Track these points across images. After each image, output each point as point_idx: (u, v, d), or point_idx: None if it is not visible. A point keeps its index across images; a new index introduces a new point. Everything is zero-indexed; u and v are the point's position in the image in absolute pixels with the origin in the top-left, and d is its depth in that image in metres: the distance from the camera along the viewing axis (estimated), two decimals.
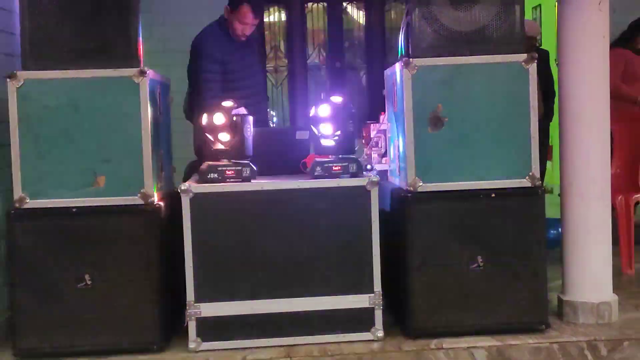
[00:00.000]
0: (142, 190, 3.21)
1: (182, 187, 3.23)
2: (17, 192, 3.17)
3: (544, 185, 3.44)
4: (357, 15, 6.97)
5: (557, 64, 3.61)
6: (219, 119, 3.31)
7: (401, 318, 3.43)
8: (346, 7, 6.93)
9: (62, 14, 3.20)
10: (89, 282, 3.20)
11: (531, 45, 5.53)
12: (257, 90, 4.64)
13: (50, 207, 3.18)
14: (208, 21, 4.69)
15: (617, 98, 4.86)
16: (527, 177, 3.32)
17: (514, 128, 3.32)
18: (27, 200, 3.18)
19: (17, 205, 3.17)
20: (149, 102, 3.21)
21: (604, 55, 3.47)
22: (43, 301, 3.19)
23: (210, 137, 3.34)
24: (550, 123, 5.49)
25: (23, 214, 3.17)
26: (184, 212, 3.21)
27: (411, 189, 3.30)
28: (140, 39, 3.28)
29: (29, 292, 3.18)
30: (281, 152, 3.69)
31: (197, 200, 3.22)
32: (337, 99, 3.45)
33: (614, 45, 5.79)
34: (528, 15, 8.35)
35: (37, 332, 3.19)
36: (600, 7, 3.41)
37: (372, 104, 6.58)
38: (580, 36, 3.46)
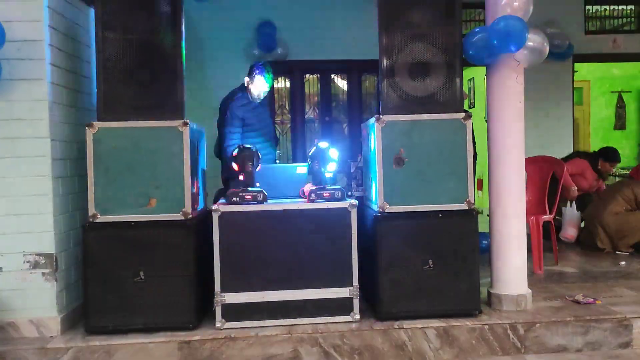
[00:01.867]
0: (183, 210, 3.19)
1: (213, 208, 3.21)
2: (91, 210, 3.15)
3: (476, 208, 3.44)
4: (342, 83, 7.01)
5: (486, 120, 3.63)
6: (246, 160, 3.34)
7: (373, 305, 3.40)
8: (333, 78, 6.97)
9: (127, 80, 3.20)
10: (142, 277, 3.16)
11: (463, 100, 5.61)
12: (268, 137, 4.64)
13: (115, 222, 3.16)
14: (232, 86, 4.71)
15: (565, 182, 5.21)
16: (465, 202, 3.31)
17: (455, 166, 3.32)
18: (98, 216, 3.15)
19: (90, 219, 3.15)
20: (189, 145, 3.21)
21: (520, 115, 3.46)
22: (108, 291, 3.15)
23: (236, 171, 3.35)
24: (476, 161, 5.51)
25: (95, 226, 3.15)
26: (213, 226, 3.19)
27: (381, 210, 3.29)
28: (184, 99, 3.28)
29: (97, 284, 3.15)
30: (286, 182, 3.68)
31: (224, 217, 3.20)
32: (324, 144, 3.46)
33: (583, 156, 6.04)
34: (464, 84, 8.44)
35: (103, 314, 3.15)
36: (517, 81, 3.43)
37: (352, 147, 6.59)
38: (503, 100, 3.47)
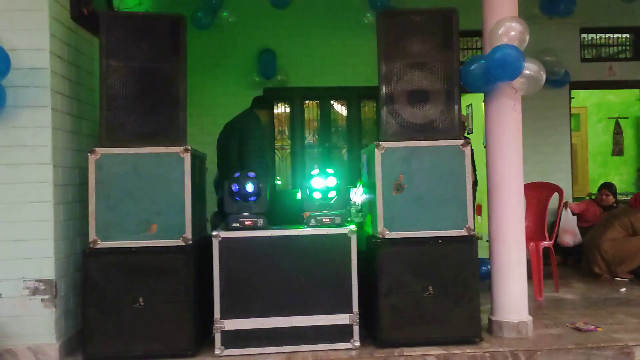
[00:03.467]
0: (183, 235, 3.20)
1: (214, 233, 3.22)
2: (92, 236, 3.16)
3: (476, 233, 3.44)
4: (341, 109, 7.07)
5: (484, 147, 3.65)
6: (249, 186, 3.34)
7: (373, 332, 3.38)
8: (333, 104, 7.04)
9: (130, 107, 3.25)
10: (142, 303, 3.16)
11: (462, 127, 5.70)
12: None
13: (116, 247, 3.16)
14: (233, 113, 4.75)
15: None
16: (464, 228, 3.33)
17: (454, 192, 3.33)
18: (99, 242, 3.16)
19: (91, 245, 3.16)
20: (190, 171, 3.23)
21: (518, 141, 3.49)
22: (107, 317, 3.14)
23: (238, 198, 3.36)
24: (477, 188, 5.54)
25: (95, 252, 3.15)
26: (213, 251, 3.20)
27: (381, 236, 3.30)
28: (186, 125, 3.32)
29: (96, 310, 3.14)
30: (286, 207, 3.69)
31: (224, 242, 3.21)
32: (315, 171, 3.47)
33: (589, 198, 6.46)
34: (463, 110, 8.51)
35: (102, 340, 3.14)
36: (514, 108, 3.47)
37: (351, 173, 6.61)
38: (502, 127, 3.50)
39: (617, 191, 6.72)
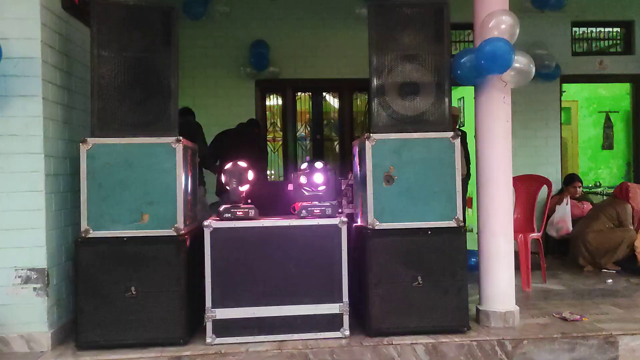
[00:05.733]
0: (175, 225, 3.22)
1: (205, 223, 3.25)
2: (83, 225, 3.18)
3: (466, 225, 3.49)
4: (333, 101, 7.10)
5: (475, 139, 3.69)
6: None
7: (362, 321, 3.42)
8: (325, 96, 7.06)
9: (121, 98, 3.25)
10: (134, 292, 3.18)
11: (455, 120, 5.75)
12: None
13: (108, 237, 3.18)
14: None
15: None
16: (453, 220, 3.36)
17: (444, 184, 3.36)
18: (91, 232, 3.18)
19: (83, 235, 3.17)
20: (182, 161, 3.25)
21: (507, 134, 3.53)
22: (99, 306, 3.16)
23: (230, 187, 3.39)
24: (469, 181, 5.60)
25: (87, 241, 3.17)
26: (205, 241, 3.22)
27: (371, 227, 3.33)
28: (177, 116, 3.33)
29: (89, 299, 3.16)
30: (277, 198, 3.72)
31: (216, 233, 3.23)
32: (319, 164, 3.50)
33: (556, 194, 6.35)
34: (454, 103, 8.56)
35: (94, 329, 3.16)
36: (504, 101, 3.51)
37: (342, 165, 6.65)
38: (491, 120, 3.54)
39: (607, 185, 6.79)
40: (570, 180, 6.34)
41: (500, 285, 3.52)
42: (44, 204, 3.18)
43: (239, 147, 5.04)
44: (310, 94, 7.00)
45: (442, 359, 3.21)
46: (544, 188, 5.07)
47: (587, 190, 6.93)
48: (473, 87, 3.66)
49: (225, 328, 3.22)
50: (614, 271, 5.35)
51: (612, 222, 5.52)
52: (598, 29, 7.24)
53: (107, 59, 3.23)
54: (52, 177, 3.27)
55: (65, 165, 3.43)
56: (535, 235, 4.84)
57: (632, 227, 5.48)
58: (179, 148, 3.23)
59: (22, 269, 3.17)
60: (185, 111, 5.35)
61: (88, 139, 3.19)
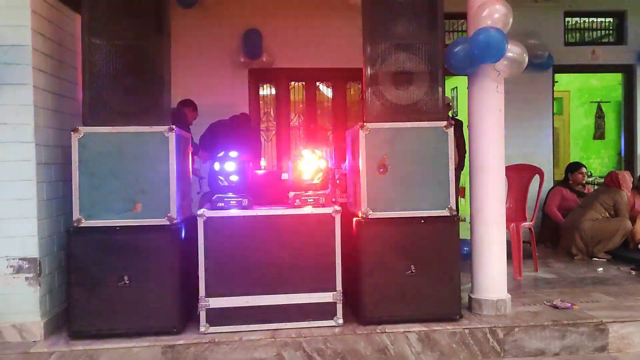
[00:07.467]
0: (168, 215, 3.21)
1: (198, 212, 3.23)
2: (75, 215, 3.15)
3: (459, 215, 3.49)
4: (327, 91, 7.07)
5: (468, 129, 3.70)
6: (230, 165, 3.36)
7: (356, 310, 3.43)
8: (319, 85, 7.03)
9: (113, 86, 3.21)
10: (127, 282, 3.17)
11: (447, 109, 5.76)
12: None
13: (100, 226, 3.16)
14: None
15: (551, 216, 5.93)
16: (447, 209, 3.37)
17: (437, 173, 3.37)
18: (83, 221, 3.16)
19: (75, 224, 3.15)
20: (175, 150, 3.23)
21: (500, 123, 3.53)
22: (92, 296, 3.15)
23: (222, 177, 3.38)
24: (462, 171, 5.61)
25: (79, 231, 3.15)
26: (199, 230, 3.22)
27: (364, 216, 3.33)
28: (170, 104, 3.31)
29: (81, 289, 3.15)
30: (271, 187, 3.71)
31: (209, 222, 3.23)
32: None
33: (558, 184, 6.41)
34: (448, 93, 8.56)
35: (87, 319, 3.15)
36: (497, 90, 3.51)
37: (336, 155, 6.63)
38: (484, 109, 3.54)
39: (599, 175, 6.85)
40: (575, 167, 6.38)
41: (492, 274, 3.54)
42: (35, 193, 3.15)
43: (233, 136, 5.02)
44: (303, 83, 6.96)
45: (435, 346, 3.23)
46: (536, 177, 5.08)
47: None
48: (466, 76, 3.65)
49: (218, 317, 3.22)
50: (605, 260, 5.39)
51: (608, 211, 5.56)
52: (591, 19, 7.24)
53: (99, 47, 3.20)
54: (43, 166, 3.24)
55: (56, 154, 3.41)
56: (527, 224, 4.86)
57: (627, 217, 5.52)
58: (172, 137, 3.21)
59: (13, 259, 3.15)
60: (187, 102, 5.39)
61: (80, 127, 3.16)
